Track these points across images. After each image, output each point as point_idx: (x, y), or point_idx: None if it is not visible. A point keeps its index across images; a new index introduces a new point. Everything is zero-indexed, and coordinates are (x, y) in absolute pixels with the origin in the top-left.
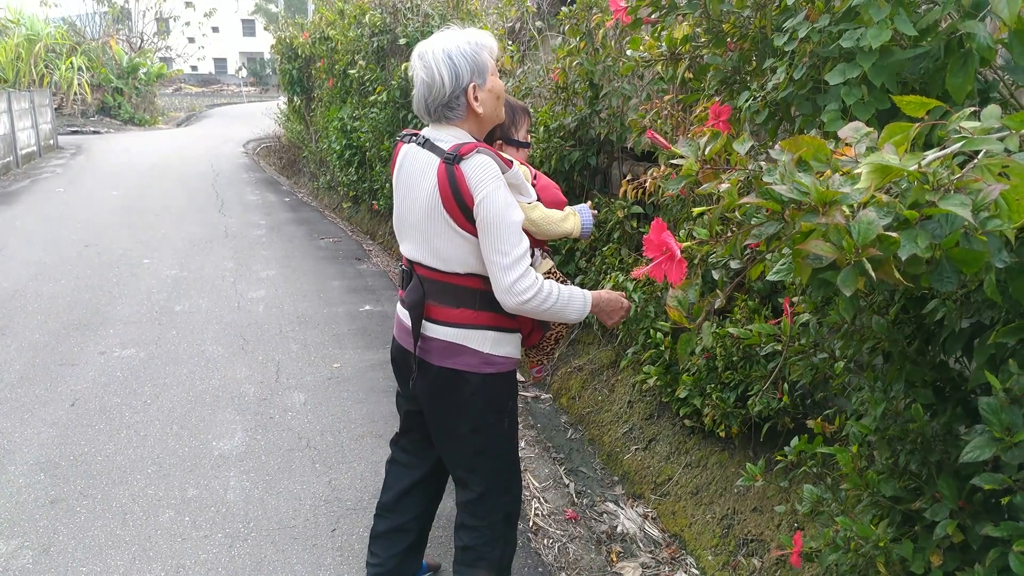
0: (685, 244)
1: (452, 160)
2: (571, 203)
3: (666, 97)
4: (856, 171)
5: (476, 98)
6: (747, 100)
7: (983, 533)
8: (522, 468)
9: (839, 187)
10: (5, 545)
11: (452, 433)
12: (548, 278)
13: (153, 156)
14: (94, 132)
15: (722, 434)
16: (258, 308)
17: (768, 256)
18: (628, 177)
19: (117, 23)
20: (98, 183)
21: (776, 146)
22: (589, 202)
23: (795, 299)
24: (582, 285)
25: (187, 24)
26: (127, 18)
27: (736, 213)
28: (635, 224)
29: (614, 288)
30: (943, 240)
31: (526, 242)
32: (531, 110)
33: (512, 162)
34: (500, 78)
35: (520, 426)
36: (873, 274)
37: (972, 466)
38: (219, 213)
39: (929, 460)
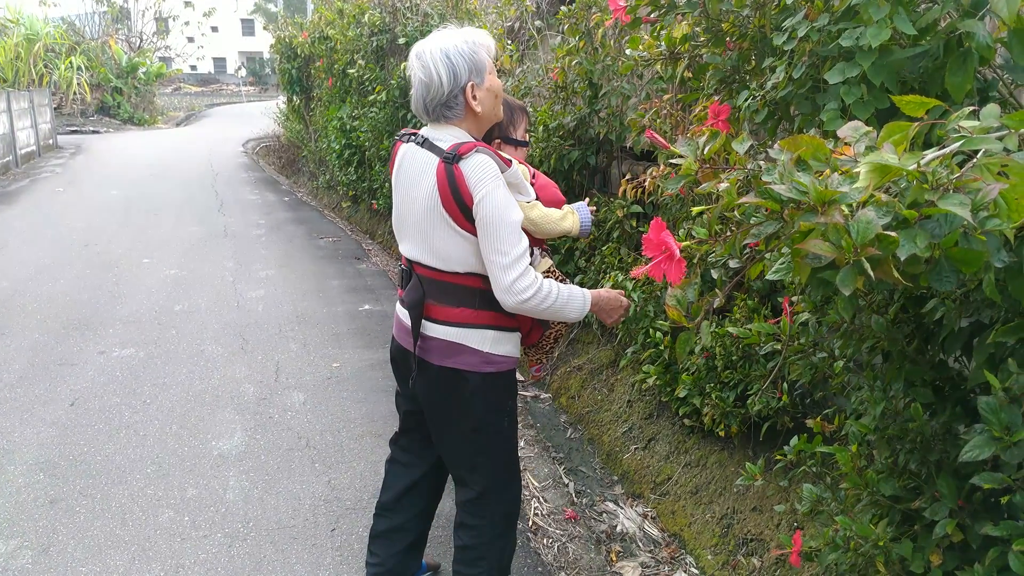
0: (684, 243)
1: (451, 159)
2: (570, 203)
3: (665, 96)
4: (855, 170)
5: (474, 97)
6: (746, 99)
7: (983, 532)
8: (521, 468)
9: (838, 186)
10: (4, 545)
11: (452, 432)
12: (547, 277)
13: (152, 156)
14: (93, 132)
15: (721, 433)
16: (257, 308)
17: (767, 255)
18: (627, 176)
19: (116, 23)
20: (97, 183)
21: (775, 145)
22: (587, 199)
23: (794, 298)
24: (581, 284)
25: (186, 24)
26: (126, 18)
27: (735, 212)
28: (634, 223)
29: (613, 287)
30: (942, 240)
31: (525, 241)
32: (529, 109)
33: (511, 161)
34: (498, 77)
35: (519, 425)
36: (872, 273)
37: (971, 465)
38: (218, 213)
39: (928, 459)
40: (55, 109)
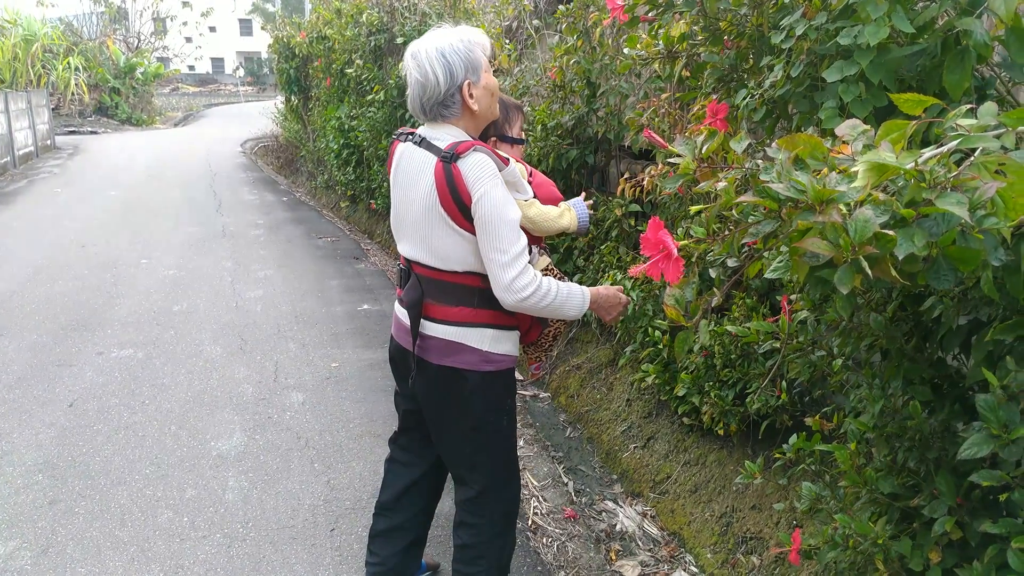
0: (682, 242)
1: (449, 159)
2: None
3: (663, 95)
4: (853, 169)
5: (471, 95)
6: (744, 98)
7: (981, 530)
8: (521, 467)
9: (836, 185)
10: (3, 546)
11: (451, 431)
12: (546, 275)
13: (150, 156)
14: (91, 132)
15: (721, 432)
16: (256, 308)
17: (765, 254)
18: (626, 175)
19: (114, 23)
20: (95, 183)
21: (773, 144)
22: (583, 194)
23: (793, 297)
24: (580, 283)
25: (184, 24)
26: (124, 18)
27: (733, 211)
28: (633, 222)
29: (612, 286)
30: (940, 238)
31: (524, 239)
32: (527, 108)
33: (508, 159)
34: (496, 77)
35: (519, 425)
36: (870, 272)
37: (970, 463)
38: (217, 213)
39: (927, 457)
40: (53, 110)
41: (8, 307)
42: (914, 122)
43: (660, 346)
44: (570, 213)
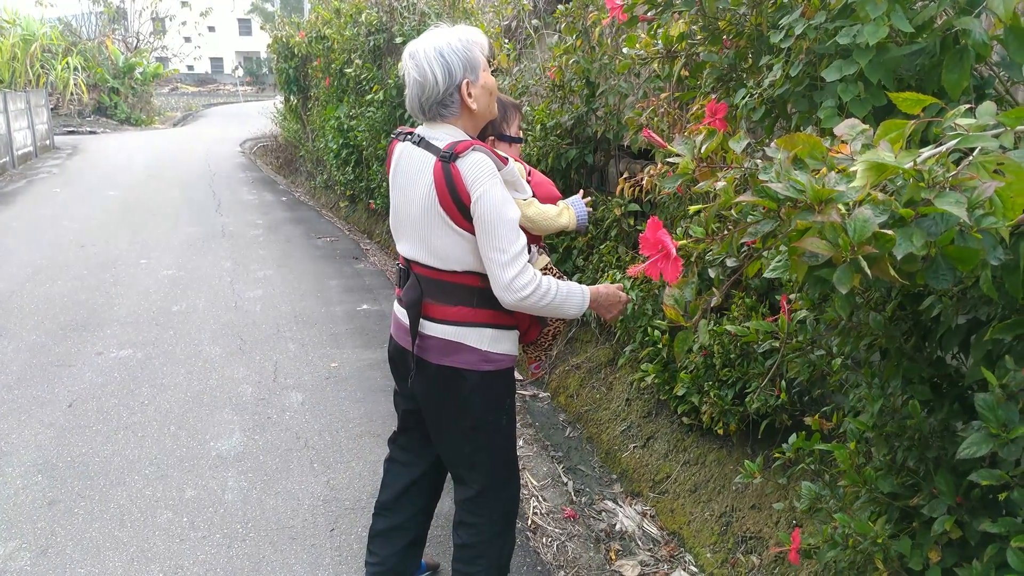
0: (681, 242)
1: (448, 158)
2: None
3: (662, 95)
4: (852, 169)
5: (470, 94)
6: (743, 97)
7: (981, 529)
8: (520, 466)
9: (835, 185)
10: (3, 547)
11: (451, 431)
12: (545, 274)
13: (150, 156)
14: (90, 132)
15: (720, 432)
16: (255, 308)
17: (765, 253)
18: (625, 175)
19: (113, 23)
20: (95, 183)
21: (772, 144)
22: (581, 191)
23: (792, 296)
24: (579, 283)
25: (183, 24)
26: (123, 18)
27: (732, 211)
28: (632, 222)
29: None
30: (938, 238)
31: (523, 238)
32: (526, 108)
33: (507, 159)
34: (495, 76)
35: (518, 424)
36: (869, 272)
37: (969, 462)
38: (216, 213)
39: (927, 456)
40: (52, 110)
41: (7, 307)
42: (913, 121)
43: (659, 346)
44: (568, 212)
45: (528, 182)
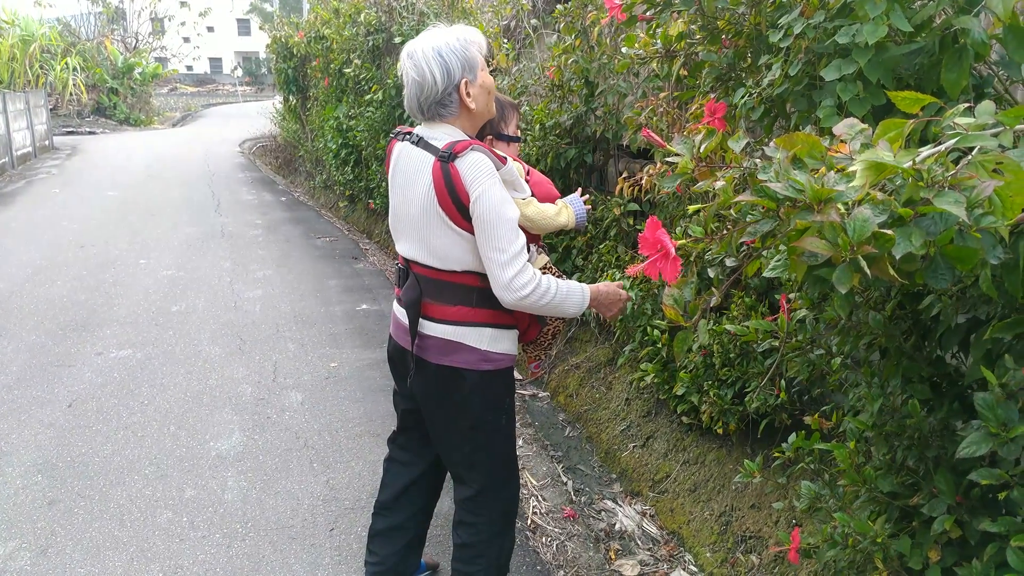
0: (680, 242)
1: (447, 158)
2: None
3: (662, 94)
4: (851, 168)
5: (468, 94)
6: (743, 97)
7: (981, 528)
8: (520, 466)
9: (834, 185)
10: (3, 547)
11: (450, 430)
12: (544, 273)
13: (149, 156)
14: (90, 132)
15: (720, 431)
16: (255, 308)
17: (764, 253)
18: (624, 174)
19: (112, 23)
20: (94, 184)
21: (771, 143)
22: (579, 190)
23: (792, 295)
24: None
25: (182, 24)
26: (122, 18)
27: (731, 210)
28: (631, 221)
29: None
30: (938, 237)
31: (523, 238)
32: (525, 108)
33: (506, 158)
34: (494, 76)
35: (517, 424)
36: (868, 271)
37: (969, 461)
38: (215, 213)
39: (926, 456)
40: (51, 110)
41: (7, 307)
42: (912, 121)
43: (659, 345)
44: (567, 210)
45: (527, 181)
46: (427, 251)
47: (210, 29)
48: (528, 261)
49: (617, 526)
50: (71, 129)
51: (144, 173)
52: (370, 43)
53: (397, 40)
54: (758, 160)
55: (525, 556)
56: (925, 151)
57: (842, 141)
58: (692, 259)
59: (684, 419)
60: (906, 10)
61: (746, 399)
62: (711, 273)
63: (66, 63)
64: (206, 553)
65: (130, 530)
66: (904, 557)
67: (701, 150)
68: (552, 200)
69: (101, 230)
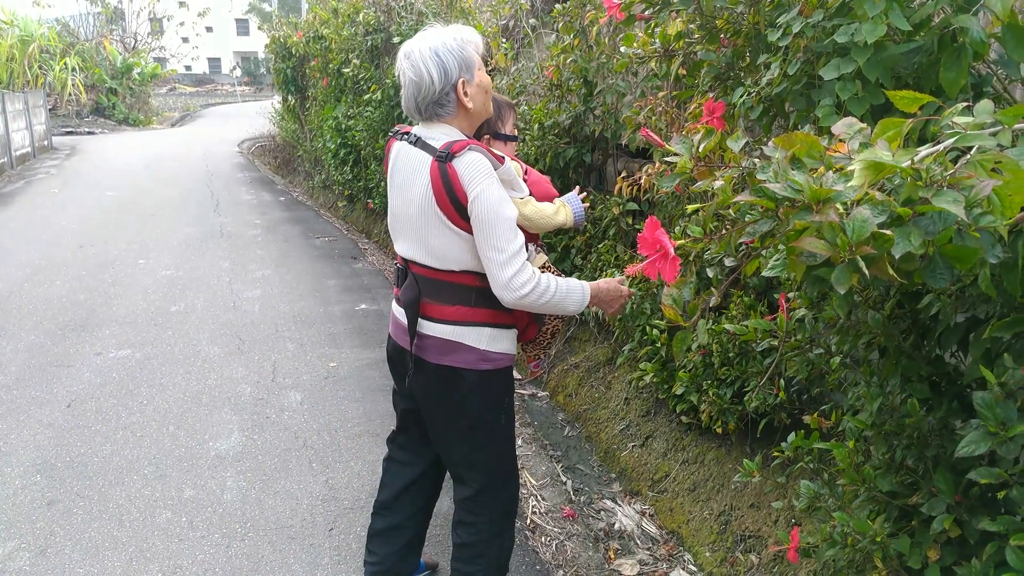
0: (679, 242)
1: (444, 158)
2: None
3: (660, 94)
4: (849, 168)
5: (466, 93)
6: (741, 96)
7: (980, 528)
8: (519, 465)
9: (833, 185)
10: (2, 547)
11: (449, 430)
12: (543, 272)
13: (148, 156)
14: (88, 133)
15: (719, 430)
16: (254, 308)
17: (763, 252)
18: (623, 174)
19: (111, 23)
20: (93, 184)
21: (770, 143)
22: (577, 188)
23: (791, 295)
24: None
25: (181, 24)
26: (121, 18)
27: (730, 210)
28: (630, 221)
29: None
30: (936, 236)
31: (521, 237)
32: (523, 107)
33: (504, 158)
34: (493, 76)
35: (517, 423)
36: (867, 271)
37: (968, 460)
38: (214, 213)
39: (925, 455)
40: (50, 110)
41: (6, 307)
42: (910, 120)
43: (658, 345)
44: (565, 209)
45: (524, 180)
46: (425, 251)
47: (209, 29)
48: (527, 260)
49: (616, 525)
50: (70, 129)
51: (143, 173)
52: (369, 43)
53: (396, 40)
54: (757, 160)
55: (524, 556)
56: (924, 150)
57: (841, 140)
58: (691, 259)
59: (683, 418)
60: (905, 9)
61: (745, 398)
62: (710, 273)
63: (65, 63)
64: (205, 553)
65: (129, 530)
66: (903, 556)
67: (700, 150)
68: (550, 199)
69: (100, 230)
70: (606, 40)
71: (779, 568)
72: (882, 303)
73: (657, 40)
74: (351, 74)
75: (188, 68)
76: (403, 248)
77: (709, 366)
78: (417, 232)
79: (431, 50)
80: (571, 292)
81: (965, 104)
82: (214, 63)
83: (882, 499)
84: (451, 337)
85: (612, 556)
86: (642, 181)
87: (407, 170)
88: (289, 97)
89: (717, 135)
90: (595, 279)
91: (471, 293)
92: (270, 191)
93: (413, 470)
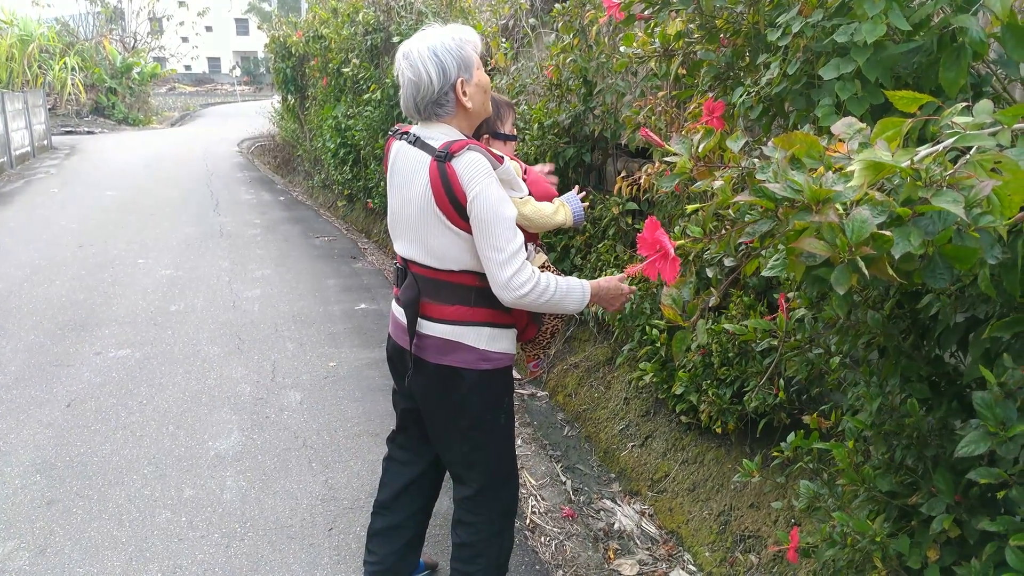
0: (679, 242)
1: (443, 158)
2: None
3: (660, 93)
4: (849, 168)
5: (465, 93)
6: (741, 96)
7: (980, 528)
8: (519, 465)
9: (832, 185)
10: (1, 547)
11: (449, 430)
12: (542, 272)
13: (147, 156)
14: (88, 132)
15: (718, 430)
16: (253, 307)
17: (763, 252)
18: (623, 174)
19: (110, 23)
20: (92, 183)
21: (769, 143)
22: (576, 187)
23: (790, 295)
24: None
25: (180, 23)
26: (120, 18)
27: (730, 210)
28: (630, 220)
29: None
30: (936, 236)
31: (520, 236)
32: (522, 106)
33: (503, 158)
34: (493, 75)
35: (516, 423)
36: (866, 272)
37: (968, 460)
38: (214, 212)
39: (925, 455)
40: (50, 110)
41: (5, 307)
42: (910, 120)
43: (658, 345)
44: (564, 209)
45: (524, 180)
46: (425, 251)
47: (208, 29)
48: (526, 260)
49: (616, 525)
50: (69, 129)
51: (143, 173)
52: (368, 42)
53: (395, 39)
54: (756, 160)
55: (524, 555)
56: (923, 150)
57: (840, 140)
58: (691, 259)
59: (683, 418)
60: (904, 9)
61: (745, 398)
62: (709, 273)
63: (64, 63)
64: (205, 553)
65: (129, 530)
66: (903, 556)
67: (699, 149)
68: (549, 199)
69: (100, 230)
70: (606, 40)
71: (779, 568)
72: (882, 303)
73: (657, 40)
74: (351, 74)
75: (188, 68)
76: (402, 248)
77: (709, 366)
78: (416, 232)
79: (429, 50)
80: (571, 291)
81: (964, 104)
82: (214, 63)
83: (882, 499)
84: (451, 337)
85: (611, 556)
86: (642, 181)
87: (406, 170)
88: (289, 97)
89: (717, 135)
90: (594, 279)
91: (470, 293)
92: (270, 191)
93: (413, 470)
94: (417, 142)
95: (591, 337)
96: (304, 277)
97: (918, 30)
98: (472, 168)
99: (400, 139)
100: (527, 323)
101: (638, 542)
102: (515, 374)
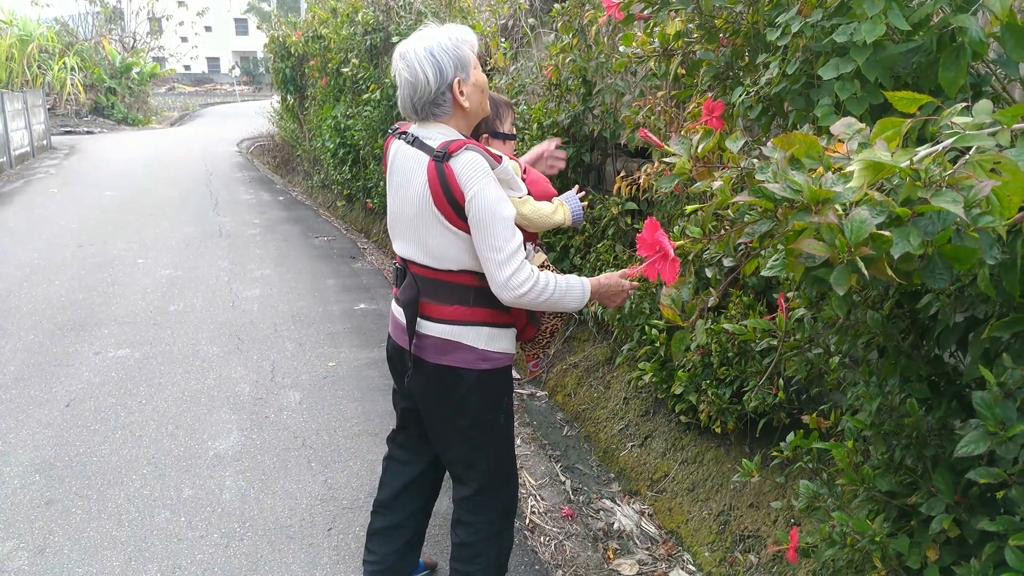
0: (679, 242)
1: (441, 158)
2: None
3: (659, 93)
4: (848, 168)
5: (462, 92)
6: (740, 96)
7: (979, 528)
8: (518, 465)
9: (832, 185)
10: (1, 547)
11: (449, 429)
12: (542, 271)
13: (147, 156)
14: (87, 132)
15: (718, 430)
16: (253, 307)
17: (762, 252)
18: (622, 173)
19: (110, 23)
20: (92, 183)
21: (769, 143)
22: (576, 187)
23: (790, 294)
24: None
25: (180, 23)
26: (120, 18)
27: (729, 210)
28: (629, 220)
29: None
30: (935, 237)
31: (519, 236)
32: (521, 106)
33: (501, 157)
34: (492, 75)
35: (516, 423)
36: (866, 272)
37: (967, 460)
38: (213, 212)
39: (924, 455)
40: (49, 110)
41: (4, 307)
42: (909, 120)
43: (657, 344)
44: (564, 208)
45: (523, 179)
46: (424, 251)
47: (208, 29)
48: (525, 259)
49: (615, 525)
50: (69, 129)
51: (142, 173)
52: (368, 42)
53: (395, 39)
54: (756, 160)
55: (523, 555)
56: (923, 150)
57: (839, 140)
58: (690, 259)
59: (682, 418)
60: (904, 8)
61: (744, 398)
62: (709, 273)
63: (64, 63)
64: (204, 553)
65: (128, 530)
66: (902, 556)
67: (699, 150)
68: (548, 198)
69: (99, 229)
70: (605, 39)
71: (778, 568)
72: (881, 303)
73: (656, 39)
74: (350, 73)
75: (187, 68)
76: (401, 248)
77: (708, 366)
78: (415, 232)
79: (426, 50)
80: (571, 289)
81: (964, 104)
82: (213, 63)
83: (881, 499)
84: (450, 337)
85: (611, 556)
86: (641, 181)
87: (405, 170)
88: (288, 96)
89: (716, 135)
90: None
91: (469, 293)
92: (269, 190)
93: (412, 469)
94: (415, 142)
95: (590, 337)
96: (303, 277)
97: (917, 30)
98: (470, 168)
99: (399, 138)
100: (526, 323)
101: (637, 542)
102: (514, 374)
